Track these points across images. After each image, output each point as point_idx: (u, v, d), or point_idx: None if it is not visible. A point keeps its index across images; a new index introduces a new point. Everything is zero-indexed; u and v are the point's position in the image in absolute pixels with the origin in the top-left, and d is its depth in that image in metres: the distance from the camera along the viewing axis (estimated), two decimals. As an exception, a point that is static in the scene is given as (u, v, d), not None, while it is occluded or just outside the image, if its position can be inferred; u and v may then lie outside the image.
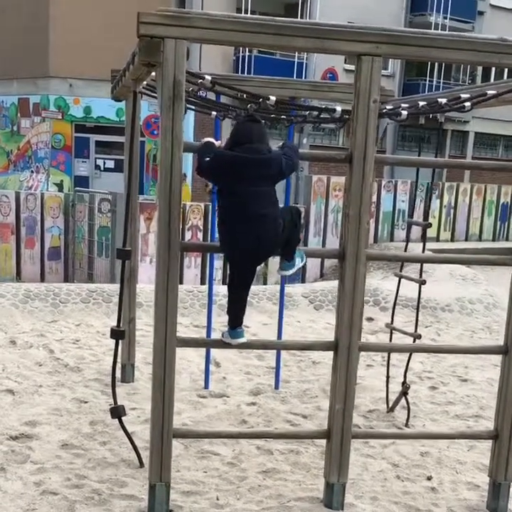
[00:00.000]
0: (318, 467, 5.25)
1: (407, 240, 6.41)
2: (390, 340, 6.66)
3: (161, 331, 4.06)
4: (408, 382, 6.41)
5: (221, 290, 10.94)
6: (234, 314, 4.25)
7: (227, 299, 4.30)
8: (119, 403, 5.32)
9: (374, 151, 4.13)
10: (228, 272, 4.36)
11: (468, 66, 31.49)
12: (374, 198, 16.42)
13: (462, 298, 11.19)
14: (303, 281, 14.60)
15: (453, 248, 16.44)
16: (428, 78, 29.60)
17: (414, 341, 6.17)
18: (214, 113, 6.53)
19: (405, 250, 6.47)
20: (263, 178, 3.88)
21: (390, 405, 6.49)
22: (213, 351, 8.04)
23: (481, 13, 31.10)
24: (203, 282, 13.19)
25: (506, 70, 32.17)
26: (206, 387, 7.03)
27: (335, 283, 12.54)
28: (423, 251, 6.14)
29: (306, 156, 4.04)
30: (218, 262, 13.65)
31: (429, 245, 16.69)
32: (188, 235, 13.34)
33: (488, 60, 4.16)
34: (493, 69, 32.34)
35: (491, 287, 12.19)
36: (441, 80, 30.14)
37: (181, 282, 12.49)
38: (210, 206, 14.00)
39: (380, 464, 5.37)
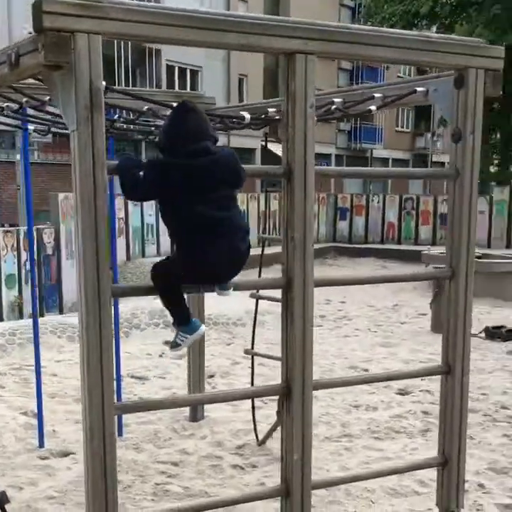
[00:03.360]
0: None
1: (262, 256, 5.99)
2: (252, 366, 6.23)
3: (97, 402, 3.19)
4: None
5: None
6: (182, 308, 3.41)
7: (168, 301, 3.40)
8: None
9: (313, 163, 3.65)
10: (168, 276, 3.40)
11: (154, 73, 30.70)
12: (122, 214, 15.65)
13: (252, 310, 10.94)
14: (61, 310, 13.33)
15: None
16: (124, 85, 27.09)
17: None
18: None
19: (260, 270, 6.04)
20: (220, 183, 3.14)
21: (261, 437, 6.00)
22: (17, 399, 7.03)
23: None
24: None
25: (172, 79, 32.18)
26: (41, 445, 5.97)
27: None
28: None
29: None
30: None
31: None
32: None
33: (410, 58, 3.87)
34: (177, 77, 32.09)
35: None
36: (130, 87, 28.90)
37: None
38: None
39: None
